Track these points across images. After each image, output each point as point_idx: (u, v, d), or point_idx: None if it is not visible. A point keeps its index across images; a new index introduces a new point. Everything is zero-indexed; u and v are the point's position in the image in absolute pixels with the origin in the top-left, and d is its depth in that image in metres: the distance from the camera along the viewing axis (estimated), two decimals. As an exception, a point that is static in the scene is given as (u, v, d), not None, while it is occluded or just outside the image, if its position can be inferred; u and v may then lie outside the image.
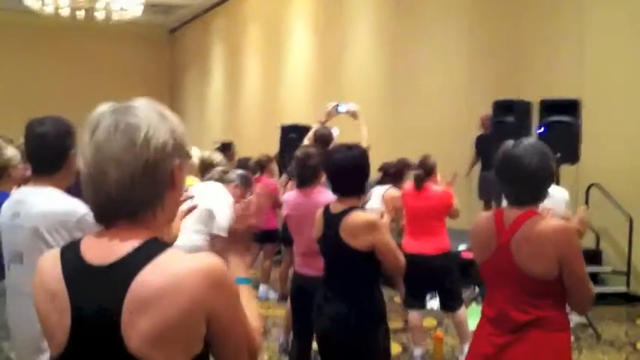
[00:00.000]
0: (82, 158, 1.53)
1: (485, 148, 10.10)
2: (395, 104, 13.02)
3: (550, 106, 7.95)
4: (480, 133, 10.50)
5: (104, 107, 1.56)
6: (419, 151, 10.91)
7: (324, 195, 4.68)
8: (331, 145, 5.61)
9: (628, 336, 7.29)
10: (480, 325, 3.10)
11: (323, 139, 5.86)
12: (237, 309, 1.56)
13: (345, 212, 3.71)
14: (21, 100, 20.41)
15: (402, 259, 3.75)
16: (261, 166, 9.49)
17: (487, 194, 9.94)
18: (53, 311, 1.52)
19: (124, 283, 1.44)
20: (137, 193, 1.50)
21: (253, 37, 19.02)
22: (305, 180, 4.82)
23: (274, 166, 10.24)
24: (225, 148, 11.55)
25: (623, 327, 7.63)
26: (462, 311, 6.27)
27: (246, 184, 4.99)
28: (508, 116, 8.21)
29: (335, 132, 6.13)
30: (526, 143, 2.96)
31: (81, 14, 15.40)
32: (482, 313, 3.11)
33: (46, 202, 2.81)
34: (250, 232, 2.07)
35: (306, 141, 5.89)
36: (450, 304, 6.29)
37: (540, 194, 2.98)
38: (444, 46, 12.05)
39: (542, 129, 7.79)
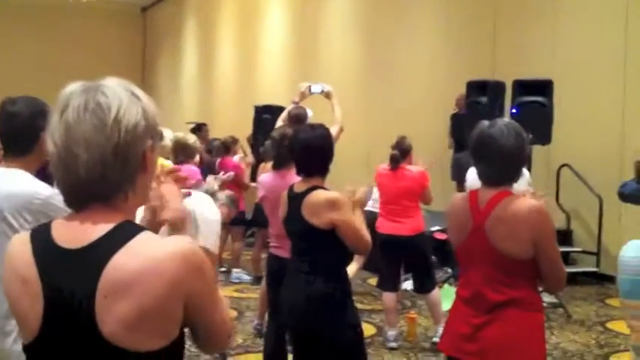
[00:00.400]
0: (50, 140, 1.49)
1: (458, 128, 10.14)
2: (370, 84, 13.02)
3: (523, 87, 8.00)
4: (454, 112, 10.53)
5: (74, 86, 1.52)
6: (393, 131, 10.98)
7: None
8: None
9: (598, 316, 7.39)
10: (455, 306, 3.13)
11: (297, 119, 5.83)
12: (214, 292, 1.55)
13: (307, 191, 3.74)
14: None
15: (366, 239, 3.73)
16: (226, 147, 9.48)
17: (459, 175, 9.97)
18: (25, 296, 1.50)
19: (98, 266, 1.42)
20: (108, 175, 1.47)
21: (227, 15, 18.88)
22: (281, 161, 4.80)
23: (238, 148, 10.24)
24: (199, 129, 11.51)
25: (594, 307, 7.74)
26: (436, 292, 6.32)
27: (232, 204, 4.97)
28: (482, 96, 8.25)
29: (309, 112, 6.10)
30: (501, 124, 2.97)
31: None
32: (458, 294, 3.13)
33: (9, 184, 2.73)
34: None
35: (279, 122, 5.87)
36: (424, 285, 6.34)
37: (515, 175, 3.00)
38: (419, 25, 12.06)
39: (515, 110, 7.84)
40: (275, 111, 8.83)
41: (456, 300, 3.14)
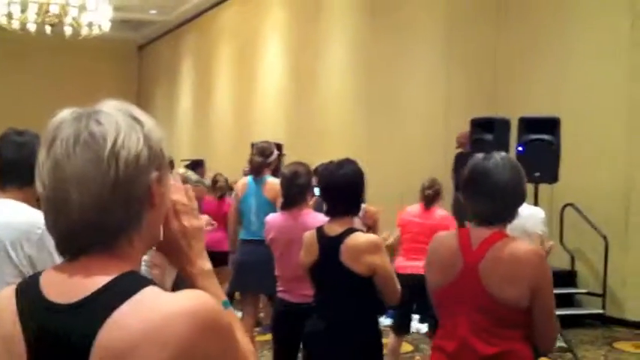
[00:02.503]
0: (38, 179, 1.27)
1: (461, 166, 9.97)
2: (370, 123, 12.89)
3: (529, 124, 7.87)
4: (459, 152, 10.39)
5: (64, 114, 1.30)
6: (393, 168, 10.86)
7: (313, 217, 4.42)
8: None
9: (607, 360, 7.17)
10: None
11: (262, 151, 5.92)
12: (235, 351, 1.30)
13: (344, 234, 3.46)
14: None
15: (398, 288, 3.53)
16: (230, 186, 9.29)
17: (461, 215, 9.81)
18: (4, 358, 1.27)
19: (92, 327, 1.18)
20: (107, 218, 1.24)
21: (224, 53, 18.85)
22: (292, 200, 4.57)
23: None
24: (196, 166, 11.32)
25: (602, 351, 7.51)
26: None
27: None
28: (487, 134, 8.11)
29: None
30: (497, 157, 2.72)
31: (49, 29, 15.12)
32: (437, 347, 2.80)
33: (8, 214, 2.64)
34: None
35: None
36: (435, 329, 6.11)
37: (510, 214, 2.73)
38: (421, 63, 11.96)
39: (521, 147, 7.70)
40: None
41: (434, 355, 2.80)
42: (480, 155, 2.78)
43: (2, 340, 1.28)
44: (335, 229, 3.51)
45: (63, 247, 1.29)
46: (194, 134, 20.57)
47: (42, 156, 1.27)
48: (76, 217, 1.23)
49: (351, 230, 3.47)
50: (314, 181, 4.68)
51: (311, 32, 14.84)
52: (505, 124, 8.13)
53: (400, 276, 6.03)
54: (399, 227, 6.62)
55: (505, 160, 2.72)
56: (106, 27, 15.56)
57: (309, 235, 3.66)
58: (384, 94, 12.59)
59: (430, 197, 6.44)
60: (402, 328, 6.26)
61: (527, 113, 8.23)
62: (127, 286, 1.22)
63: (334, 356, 3.46)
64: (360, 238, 3.44)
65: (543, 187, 8.00)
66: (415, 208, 6.56)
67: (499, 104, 10.01)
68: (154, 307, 1.19)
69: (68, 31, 15.17)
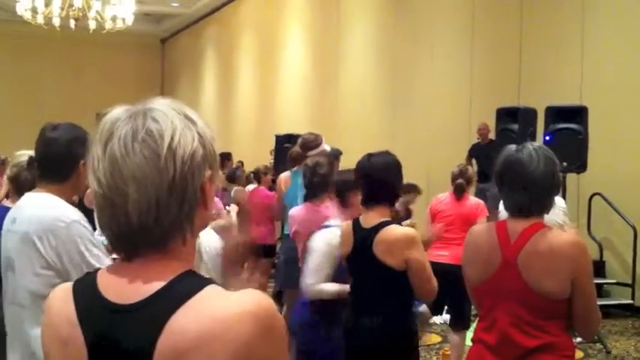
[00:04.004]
0: (93, 177, 1.25)
1: (482, 158, 9.96)
2: (394, 112, 12.83)
3: (555, 113, 7.77)
4: (477, 142, 10.33)
5: (117, 112, 1.27)
6: (416, 159, 10.79)
7: (335, 210, 4.38)
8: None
9: (638, 350, 7.08)
10: (475, 354, 2.77)
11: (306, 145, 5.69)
12: (285, 355, 1.27)
13: (379, 226, 3.42)
14: (13, 109, 20.22)
15: (435, 284, 3.46)
16: (258, 176, 9.28)
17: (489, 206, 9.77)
18: None
19: (154, 328, 1.17)
20: (164, 217, 1.22)
21: (246, 45, 18.84)
22: (314, 191, 4.55)
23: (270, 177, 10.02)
24: (223, 159, 11.39)
25: (632, 341, 7.43)
26: (461, 336, 6.03)
27: None
28: (512, 123, 8.02)
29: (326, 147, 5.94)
30: (530, 148, 2.68)
31: (72, 23, 15.22)
32: (479, 339, 2.77)
33: (36, 208, 2.69)
34: (247, 248, 1.80)
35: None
36: (453, 321, 6.06)
37: (546, 204, 2.70)
38: (445, 53, 11.86)
39: (549, 137, 7.60)
40: (296, 140, 8.62)
41: (475, 347, 2.78)
42: (512, 146, 2.75)
43: (60, 343, 1.26)
44: (370, 220, 3.48)
45: (118, 246, 1.27)
46: (217, 126, 20.58)
47: (97, 153, 1.24)
48: (133, 216, 1.21)
49: (386, 223, 3.43)
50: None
51: (333, 20, 14.78)
52: (531, 113, 8.05)
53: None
54: (430, 217, 6.37)
55: (539, 151, 2.68)
56: (130, 20, 15.63)
57: (346, 226, 3.64)
58: (408, 84, 12.51)
59: (461, 186, 6.24)
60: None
61: (552, 102, 8.14)
62: (186, 287, 1.20)
63: (367, 348, 3.43)
64: (396, 231, 3.40)
65: (571, 177, 7.92)
66: (446, 197, 6.35)
67: (524, 94, 9.91)
68: (214, 309, 1.17)
69: (92, 25, 15.26)
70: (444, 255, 5.94)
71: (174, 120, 1.24)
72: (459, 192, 6.23)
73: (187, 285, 1.20)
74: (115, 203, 1.22)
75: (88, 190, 6.26)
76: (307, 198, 4.64)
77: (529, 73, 10.18)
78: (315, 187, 4.55)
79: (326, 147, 5.90)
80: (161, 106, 1.27)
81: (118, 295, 1.23)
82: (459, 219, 6.11)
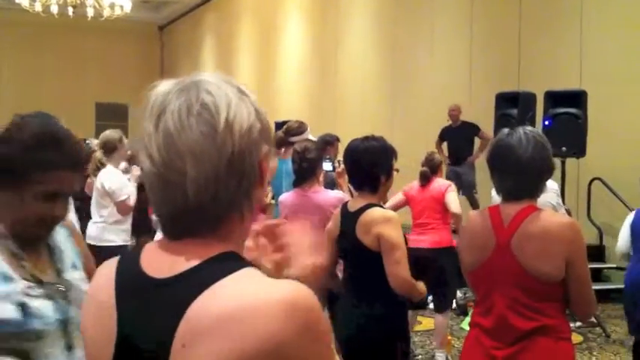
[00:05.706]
0: (145, 153, 1.17)
1: (452, 140, 10.08)
2: (393, 99, 12.82)
3: (555, 98, 7.76)
4: (447, 125, 10.37)
5: (166, 85, 1.21)
6: (416, 144, 10.78)
7: (324, 195, 4.48)
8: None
9: (637, 334, 7.08)
10: (472, 338, 2.79)
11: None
12: (327, 358, 1.14)
13: (363, 209, 3.44)
14: (10, 97, 20.17)
15: (406, 273, 3.36)
16: None
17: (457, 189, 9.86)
18: (98, 322, 1.23)
19: (180, 305, 1.10)
20: (222, 195, 1.15)
21: (245, 32, 18.79)
22: (303, 175, 4.58)
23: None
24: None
25: (631, 325, 7.43)
26: (445, 317, 6.13)
27: None
28: (512, 108, 8.02)
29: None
30: (521, 132, 2.71)
31: (70, 11, 15.17)
32: (476, 324, 2.79)
33: None
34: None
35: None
36: (436, 303, 6.15)
37: (537, 187, 2.73)
38: (444, 38, 11.85)
39: (548, 122, 7.60)
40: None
41: (473, 331, 2.80)
42: (504, 130, 2.78)
43: (97, 305, 1.25)
44: (356, 204, 3.50)
45: (172, 227, 1.20)
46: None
47: (148, 129, 1.17)
48: (191, 194, 1.14)
49: (370, 205, 3.43)
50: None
51: (332, 8, 14.73)
52: (531, 98, 8.04)
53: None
54: (405, 199, 6.40)
55: (529, 135, 2.70)
56: (128, 7, 15.58)
57: (337, 210, 3.68)
58: (407, 70, 12.49)
59: (424, 174, 6.25)
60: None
61: (551, 87, 8.13)
62: (220, 267, 1.13)
63: (357, 328, 3.43)
64: (375, 212, 3.39)
65: (570, 162, 7.91)
66: (415, 184, 6.37)
67: (523, 79, 9.89)
68: (243, 291, 1.09)
69: (90, 12, 15.21)
70: (422, 240, 6.02)
71: (228, 93, 1.18)
72: (423, 179, 6.27)
73: (225, 264, 1.14)
74: (170, 181, 1.15)
75: (89, 179, 6.28)
76: (297, 183, 4.65)
77: (528, 59, 10.16)
78: (305, 172, 4.57)
79: (310, 137, 5.93)
80: (213, 78, 1.20)
81: (155, 269, 1.18)
82: (428, 205, 6.21)
